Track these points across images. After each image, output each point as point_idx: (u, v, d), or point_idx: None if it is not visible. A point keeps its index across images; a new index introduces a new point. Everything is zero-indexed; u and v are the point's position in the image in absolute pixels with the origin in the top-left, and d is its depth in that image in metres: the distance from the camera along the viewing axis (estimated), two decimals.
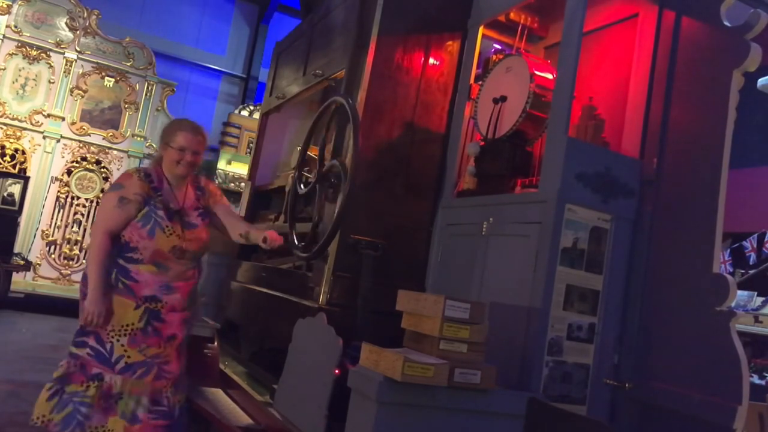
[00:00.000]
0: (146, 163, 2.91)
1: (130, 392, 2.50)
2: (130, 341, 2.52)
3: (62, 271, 7.84)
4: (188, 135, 2.70)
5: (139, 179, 2.63)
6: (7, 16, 7.69)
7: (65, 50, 7.94)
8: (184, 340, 2.69)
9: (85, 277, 2.56)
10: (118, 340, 2.51)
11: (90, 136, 8.04)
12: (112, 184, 2.68)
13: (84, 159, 8.01)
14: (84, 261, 7.91)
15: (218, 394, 3.13)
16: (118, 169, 8.11)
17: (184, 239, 2.62)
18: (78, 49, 8.02)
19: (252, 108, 9.77)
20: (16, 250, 7.52)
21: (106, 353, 2.50)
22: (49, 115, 7.82)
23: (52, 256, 7.82)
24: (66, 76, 7.93)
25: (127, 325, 2.53)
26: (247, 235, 2.75)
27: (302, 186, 3.03)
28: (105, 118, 8.17)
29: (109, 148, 8.12)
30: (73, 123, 7.95)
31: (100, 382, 2.48)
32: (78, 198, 7.96)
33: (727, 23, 2.35)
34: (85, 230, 7.97)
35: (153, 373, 2.54)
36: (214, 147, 9.39)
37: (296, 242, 2.88)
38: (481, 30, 3.11)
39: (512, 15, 3.15)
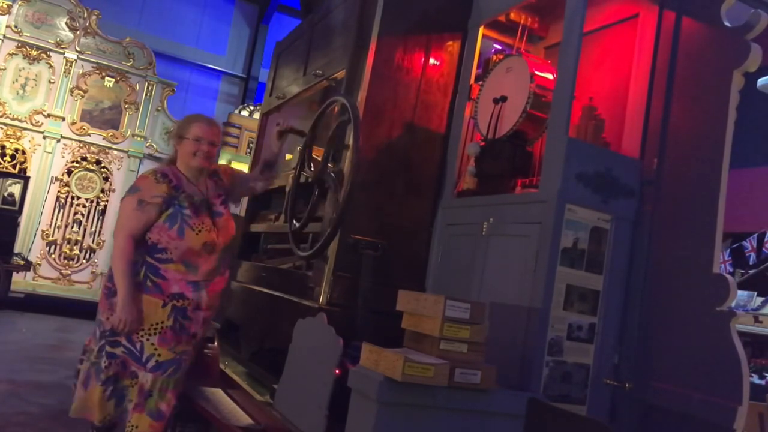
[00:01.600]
0: (158, 164, 2.89)
1: (159, 389, 2.53)
2: (161, 340, 2.53)
3: (62, 271, 7.85)
4: (203, 126, 2.70)
5: (156, 181, 2.60)
6: (7, 16, 7.70)
7: (65, 50, 7.95)
8: (200, 341, 2.73)
9: (111, 277, 2.56)
10: (147, 339, 2.52)
11: (90, 136, 8.05)
12: (130, 187, 2.66)
13: (84, 159, 8.02)
14: (84, 261, 7.92)
15: (218, 394, 3.13)
16: (118, 169, 8.12)
17: (214, 231, 2.64)
18: (78, 49, 8.03)
19: (252, 108, 9.78)
20: (16, 250, 7.52)
21: (137, 352, 2.52)
22: (49, 115, 7.83)
23: (52, 256, 7.83)
24: (66, 76, 7.94)
25: (157, 324, 2.53)
26: (267, 173, 2.97)
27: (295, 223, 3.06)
28: (105, 118, 8.18)
29: (109, 148, 8.13)
30: (73, 123, 7.95)
31: (136, 379, 2.53)
32: (78, 198, 7.97)
33: (727, 23, 2.35)
34: (85, 230, 7.97)
35: (182, 369, 2.59)
36: None
37: (296, 243, 2.88)
38: (481, 30, 3.11)
39: (512, 15, 3.15)
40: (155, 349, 2.53)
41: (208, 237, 2.60)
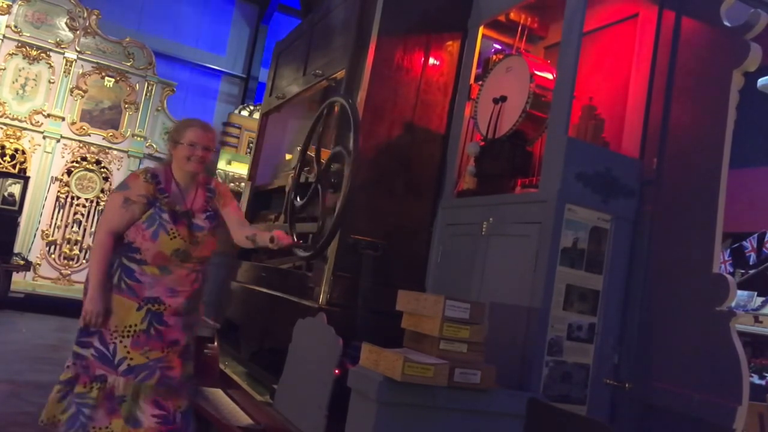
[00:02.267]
0: (155, 164, 2.87)
1: (133, 395, 2.49)
2: (133, 343, 2.50)
3: (62, 271, 7.84)
4: (198, 131, 2.68)
5: (145, 181, 2.61)
6: (7, 16, 7.69)
7: (65, 50, 7.94)
8: (189, 346, 2.66)
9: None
10: (120, 341, 2.49)
11: (90, 136, 8.04)
12: (119, 184, 2.68)
13: (84, 159, 8.01)
14: (84, 261, 7.92)
15: (218, 394, 3.13)
16: (118, 169, 8.12)
17: (189, 242, 2.60)
18: (78, 49, 8.02)
19: (252, 108, 9.77)
20: (16, 250, 7.52)
21: (109, 354, 2.48)
22: (49, 115, 7.82)
23: (52, 256, 7.83)
24: (66, 76, 7.93)
25: (130, 326, 2.51)
26: (254, 238, 2.71)
27: (299, 199, 3.03)
28: (105, 118, 8.18)
29: (109, 148, 8.12)
30: (73, 123, 7.95)
31: (103, 383, 2.47)
32: (78, 198, 7.97)
33: (727, 23, 2.35)
34: (85, 230, 7.97)
35: (156, 377, 2.52)
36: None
37: (296, 242, 2.88)
38: (481, 30, 3.11)
39: (512, 15, 3.15)
40: (128, 352, 2.48)
41: (180, 245, 2.58)
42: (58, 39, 7.93)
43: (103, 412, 2.45)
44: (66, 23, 8.02)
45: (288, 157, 4.12)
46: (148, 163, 8.27)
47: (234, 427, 2.69)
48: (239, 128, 9.35)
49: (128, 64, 8.29)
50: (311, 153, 3.10)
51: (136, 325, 2.51)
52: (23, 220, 7.58)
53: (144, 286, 2.54)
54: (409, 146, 3.00)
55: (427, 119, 3.06)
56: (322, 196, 2.79)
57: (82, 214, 7.98)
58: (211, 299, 3.98)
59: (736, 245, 7.03)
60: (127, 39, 8.37)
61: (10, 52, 7.71)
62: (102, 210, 8.02)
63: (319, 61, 3.67)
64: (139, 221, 2.55)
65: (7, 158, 7.65)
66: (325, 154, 2.92)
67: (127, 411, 2.47)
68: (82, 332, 2.53)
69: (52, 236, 7.82)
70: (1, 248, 7.23)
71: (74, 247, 7.92)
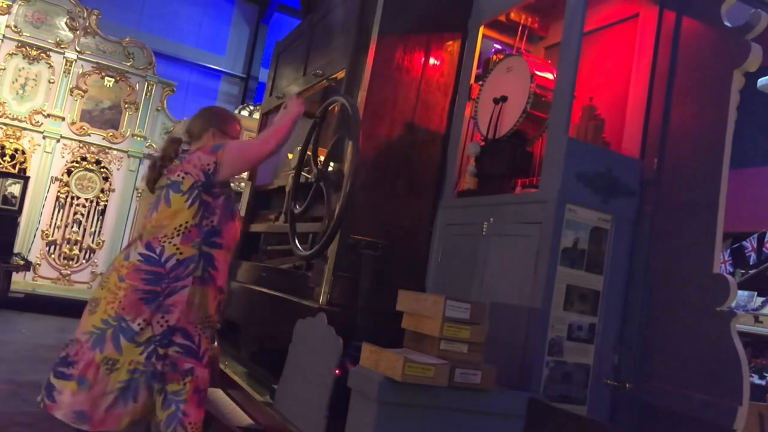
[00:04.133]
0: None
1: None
2: (210, 335, 2.42)
3: (62, 271, 7.84)
4: (239, 124, 2.66)
5: None
6: (7, 16, 7.69)
7: (65, 50, 7.94)
8: None
9: (155, 280, 2.30)
10: (203, 333, 2.39)
11: (90, 136, 8.04)
12: (214, 147, 2.44)
13: (84, 159, 8.01)
14: (84, 261, 7.92)
15: (218, 394, 3.13)
16: (117, 169, 8.12)
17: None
18: (78, 49, 8.02)
19: (252, 108, 9.77)
20: (16, 250, 7.52)
21: (195, 347, 2.35)
22: (49, 115, 7.82)
23: (52, 256, 7.82)
24: (66, 76, 7.93)
25: (209, 317, 2.41)
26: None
27: (297, 207, 3.00)
28: (105, 118, 8.17)
29: (109, 148, 8.12)
30: (73, 123, 7.95)
31: (192, 376, 2.35)
32: (78, 198, 7.96)
33: (727, 23, 2.35)
34: (84, 230, 7.96)
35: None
36: None
37: (297, 242, 2.88)
38: (481, 30, 3.11)
39: (512, 15, 3.15)
40: (207, 345, 2.41)
41: (241, 227, 2.55)
42: (58, 39, 7.93)
43: (194, 407, 2.35)
44: (66, 23, 8.01)
45: (289, 156, 4.12)
46: (149, 164, 8.27)
47: (234, 427, 2.69)
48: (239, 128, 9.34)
49: (128, 64, 8.29)
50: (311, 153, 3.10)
51: (212, 316, 2.42)
52: (23, 220, 7.58)
53: (220, 273, 2.43)
54: (409, 146, 3.00)
55: (427, 119, 3.06)
56: (327, 196, 2.79)
57: (82, 214, 7.98)
58: None
59: (736, 245, 7.04)
60: (127, 39, 8.37)
61: (10, 52, 7.71)
62: (102, 211, 8.02)
63: (319, 61, 3.67)
64: (219, 198, 2.43)
65: (7, 158, 7.65)
66: (325, 154, 2.92)
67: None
68: (161, 336, 2.29)
69: (52, 236, 7.82)
70: (1, 248, 7.23)
71: (74, 247, 7.92)
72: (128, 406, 2.26)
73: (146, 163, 8.20)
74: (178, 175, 2.39)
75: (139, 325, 2.26)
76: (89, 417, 2.22)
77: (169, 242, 2.34)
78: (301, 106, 2.62)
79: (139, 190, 8.17)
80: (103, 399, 2.23)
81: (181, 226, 2.35)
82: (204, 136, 2.57)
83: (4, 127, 7.62)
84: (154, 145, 8.34)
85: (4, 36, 7.65)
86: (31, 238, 7.68)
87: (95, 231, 8.03)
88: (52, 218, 7.83)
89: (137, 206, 8.14)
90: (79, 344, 2.28)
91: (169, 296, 2.30)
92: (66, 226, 7.90)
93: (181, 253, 2.33)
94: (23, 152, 7.72)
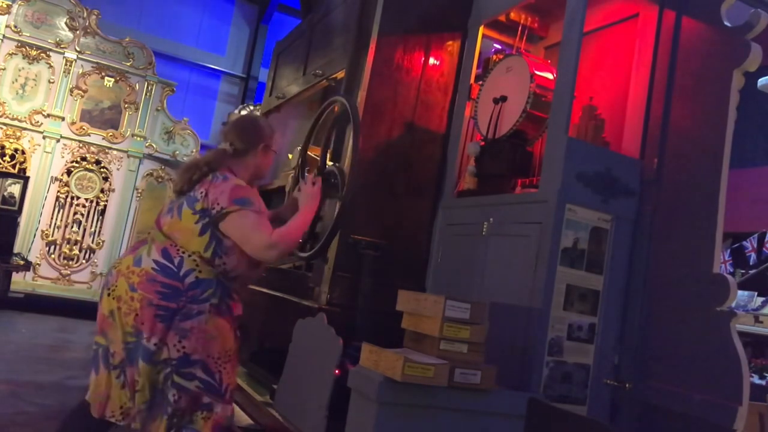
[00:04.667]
0: (207, 158, 2.38)
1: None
2: (232, 367, 2.25)
3: (62, 271, 7.84)
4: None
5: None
6: (7, 16, 7.69)
7: (65, 50, 7.94)
8: None
9: (170, 295, 2.13)
10: (224, 368, 2.21)
11: (90, 136, 8.04)
12: (239, 199, 2.21)
13: (84, 159, 8.01)
14: (84, 261, 7.91)
15: None
16: (117, 169, 8.11)
17: None
18: (78, 49, 8.02)
19: (252, 108, 9.77)
20: (16, 250, 7.52)
21: (216, 383, 2.18)
22: (48, 115, 7.82)
23: (52, 256, 7.82)
24: (66, 76, 7.93)
25: (230, 350, 2.24)
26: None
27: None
28: (105, 118, 8.17)
29: (109, 148, 8.12)
30: (73, 123, 7.95)
31: (209, 412, 2.18)
32: (78, 198, 7.96)
33: (727, 23, 2.35)
34: (84, 230, 7.96)
35: None
36: (214, 147, 9.39)
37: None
38: (481, 30, 3.11)
39: (512, 15, 3.15)
40: (229, 378, 2.24)
41: None
42: (58, 39, 7.93)
43: None
44: (66, 23, 8.01)
45: (289, 156, 4.12)
46: (148, 164, 8.28)
47: (234, 427, 2.69)
48: None
49: (128, 64, 8.28)
50: (312, 153, 3.10)
51: (233, 348, 2.25)
52: (23, 220, 7.58)
53: (238, 303, 2.28)
54: (409, 146, 3.00)
55: (427, 119, 3.06)
56: (327, 196, 2.79)
57: (82, 214, 7.97)
58: None
59: (736, 245, 7.04)
60: (127, 39, 8.37)
61: (10, 52, 7.70)
62: (102, 211, 8.02)
63: (319, 61, 3.67)
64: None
65: (7, 158, 7.64)
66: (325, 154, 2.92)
67: None
68: (181, 361, 2.13)
69: (52, 236, 7.82)
70: (1, 248, 7.23)
71: (74, 247, 7.91)
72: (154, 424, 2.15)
73: (146, 163, 8.23)
74: (200, 192, 2.22)
75: (155, 345, 2.10)
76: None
77: (189, 256, 2.18)
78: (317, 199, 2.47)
79: (139, 190, 8.17)
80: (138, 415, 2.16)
81: (194, 252, 2.18)
82: (252, 153, 2.41)
83: (4, 127, 7.62)
84: (154, 145, 8.34)
85: (4, 36, 7.65)
86: (31, 238, 7.68)
87: (95, 231, 8.03)
88: (52, 218, 7.82)
89: (137, 206, 8.15)
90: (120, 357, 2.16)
91: (186, 319, 2.12)
92: (66, 226, 7.90)
93: (200, 272, 2.17)
94: (23, 152, 7.71)
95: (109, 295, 2.18)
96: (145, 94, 8.35)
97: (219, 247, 2.21)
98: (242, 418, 2.97)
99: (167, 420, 2.13)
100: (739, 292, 5.83)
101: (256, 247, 2.19)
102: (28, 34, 7.79)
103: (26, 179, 7.58)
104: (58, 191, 7.86)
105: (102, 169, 8.08)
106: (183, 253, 2.19)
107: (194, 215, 2.20)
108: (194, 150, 8.56)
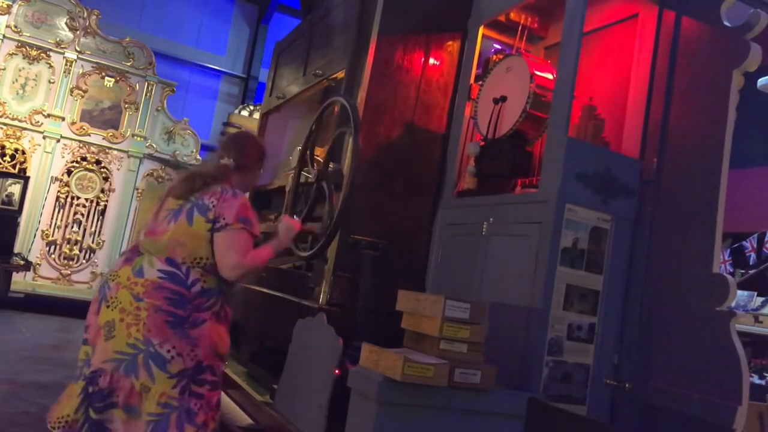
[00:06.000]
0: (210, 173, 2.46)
1: None
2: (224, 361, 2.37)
3: (62, 271, 7.84)
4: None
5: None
6: (7, 16, 7.69)
7: (65, 50, 7.94)
8: None
9: (183, 301, 2.18)
10: (221, 365, 2.33)
11: (90, 136, 8.04)
12: (237, 216, 2.28)
13: (84, 159, 8.00)
14: (84, 261, 7.91)
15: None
16: (117, 169, 8.11)
17: None
18: (78, 49, 8.02)
19: (252, 108, 9.78)
20: (16, 250, 7.51)
21: (218, 379, 2.29)
22: (49, 115, 7.82)
23: (52, 256, 7.82)
24: (66, 76, 7.93)
25: (227, 351, 2.34)
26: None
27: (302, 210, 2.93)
28: (105, 118, 8.17)
29: (109, 148, 8.12)
30: (73, 123, 7.95)
31: (218, 411, 2.31)
32: (78, 198, 7.96)
33: (727, 23, 2.35)
34: (84, 230, 7.96)
35: None
36: (214, 147, 9.39)
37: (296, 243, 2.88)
38: (481, 30, 3.11)
39: (512, 15, 3.15)
40: (222, 369, 2.35)
41: None
42: (58, 39, 7.93)
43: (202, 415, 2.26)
44: (66, 23, 8.01)
45: (290, 158, 4.12)
46: (148, 164, 8.27)
47: (234, 427, 2.69)
48: (239, 128, 9.35)
49: (128, 64, 8.28)
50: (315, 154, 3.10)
51: (228, 349, 2.35)
52: (23, 220, 7.57)
53: (231, 308, 2.37)
54: (409, 146, 3.00)
55: (427, 119, 3.06)
56: (327, 196, 2.79)
57: (82, 214, 7.97)
58: None
59: (736, 245, 7.03)
60: (127, 39, 8.37)
61: (10, 52, 7.70)
62: (103, 211, 8.01)
63: (319, 61, 3.67)
64: None
65: (7, 158, 7.64)
66: (325, 154, 2.92)
67: None
68: (196, 370, 2.19)
69: (52, 236, 7.82)
70: (1, 248, 7.23)
71: (74, 247, 7.91)
72: None
73: (146, 163, 8.22)
74: (211, 202, 2.28)
75: (168, 352, 2.13)
76: None
77: (194, 267, 2.23)
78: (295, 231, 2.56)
79: (139, 190, 8.17)
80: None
81: (201, 258, 2.24)
82: (251, 171, 2.55)
83: (4, 127, 7.61)
84: (154, 145, 8.34)
85: (4, 36, 7.65)
86: (31, 238, 7.68)
87: (95, 231, 8.02)
88: (52, 218, 7.82)
89: (137, 206, 8.14)
90: (106, 374, 2.13)
91: (194, 327, 2.18)
92: (66, 226, 7.90)
93: (205, 281, 2.24)
94: (23, 152, 7.71)
95: (108, 307, 2.18)
96: (145, 94, 8.35)
97: None
98: (242, 418, 2.97)
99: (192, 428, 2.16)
100: (739, 292, 5.83)
101: (228, 263, 2.25)
102: (28, 34, 7.79)
103: (26, 179, 7.58)
104: (59, 191, 7.85)
105: (102, 169, 8.08)
106: (188, 262, 2.23)
107: (207, 223, 2.26)
108: (194, 150, 8.56)
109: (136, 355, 2.12)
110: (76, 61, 7.98)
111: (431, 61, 3.08)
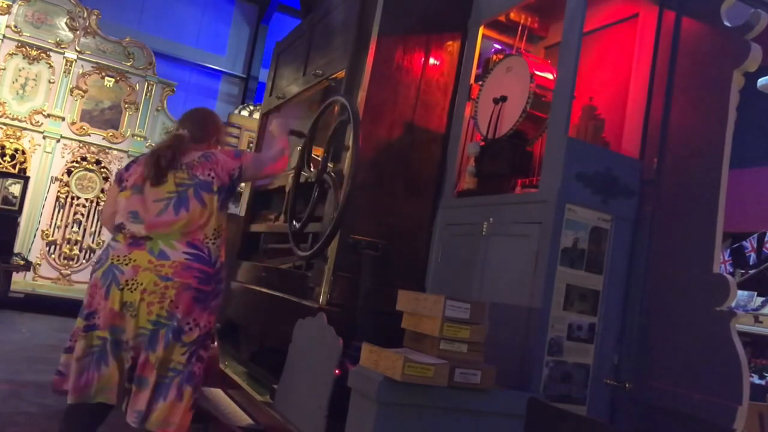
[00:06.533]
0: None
1: None
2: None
3: (62, 271, 7.84)
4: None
5: None
6: (7, 16, 7.69)
7: (65, 50, 7.94)
8: None
9: (207, 279, 2.38)
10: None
11: (90, 136, 8.04)
12: (236, 152, 2.65)
13: (84, 159, 8.01)
14: (85, 261, 7.91)
15: (218, 394, 3.13)
16: (118, 169, 8.11)
17: None
18: (78, 49, 8.02)
19: (252, 108, 9.77)
20: (16, 250, 7.52)
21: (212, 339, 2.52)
22: (49, 115, 7.82)
23: (52, 256, 7.82)
24: (66, 76, 7.93)
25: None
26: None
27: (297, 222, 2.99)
28: (105, 118, 8.17)
29: (109, 148, 8.12)
30: (73, 123, 7.95)
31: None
32: (78, 198, 7.96)
33: (727, 23, 2.35)
34: (85, 230, 7.96)
35: None
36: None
37: (295, 242, 2.88)
38: (481, 30, 3.11)
39: (512, 15, 3.15)
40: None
41: None
42: (58, 39, 7.93)
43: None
44: (66, 23, 8.01)
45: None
46: (152, 157, 8.26)
47: (234, 427, 2.69)
48: (239, 128, 9.35)
49: (128, 64, 8.28)
50: (315, 154, 3.10)
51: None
52: (23, 220, 7.58)
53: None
54: (409, 146, 3.00)
55: (427, 119, 3.06)
56: (327, 196, 2.79)
57: (82, 214, 7.97)
58: None
59: (736, 245, 7.04)
60: (127, 39, 8.37)
61: (10, 52, 7.70)
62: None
63: (319, 61, 3.67)
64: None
65: (7, 158, 7.64)
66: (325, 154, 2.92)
67: None
68: (205, 336, 2.39)
69: (52, 236, 7.82)
70: (1, 248, 7.23)
71: (74, 247, 7.91)
72: (158, 404, 2.27)
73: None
74: (209, 175, 2.42)
75: (188, 324, 2.31)
76: (146, 416, 2.25)
77: (213, 243, 2.42)
78: (286, 142, 2.84)
79: None
80: (159, 398, 2.27)
81: (216, 229, 2.43)
82: (207, 142, 2.63)
83: (4, 127, 7.62)
84: (154, 145, 8.34)
85: (4, 36, 7.65)
86: (31, 238, 7.68)
87: (95, 231, 8.02)
88: (52, 218, 7.82)
89: None
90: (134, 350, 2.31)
91: (215, 299, 2.42)
92: (66, 226, 7.90)
93: (220, 257, 2.45)
94: (23, 152, 7.71)
95: (123, 289, 2.29)
96: (145, 94, 8.35)
97: (225, 214, 2.51)
98: (242, 418, 2.96)
99: (192, 390, 2.32)
100: (739, 292, 5.83)
101: (269, 162, 2.66)
102: (28, 34, 7.79)
103: (26, 179, 7.58)
104: (59, 191, 7.85)
105: (102, 169, 8.08)
106: (207, 243, 2.41)
107: (215, 195, 2.42)
108: None
109: (157, 330, 2.27)
110: (76, 61, 7.98)
111: (431, 61, 3.08)
